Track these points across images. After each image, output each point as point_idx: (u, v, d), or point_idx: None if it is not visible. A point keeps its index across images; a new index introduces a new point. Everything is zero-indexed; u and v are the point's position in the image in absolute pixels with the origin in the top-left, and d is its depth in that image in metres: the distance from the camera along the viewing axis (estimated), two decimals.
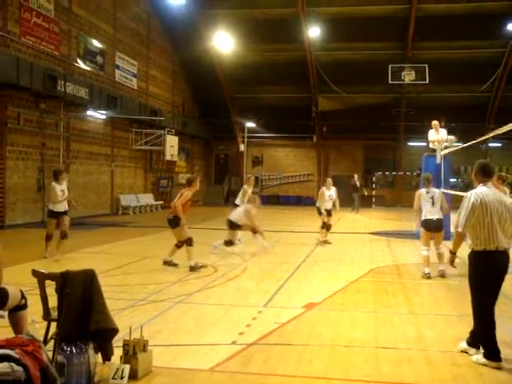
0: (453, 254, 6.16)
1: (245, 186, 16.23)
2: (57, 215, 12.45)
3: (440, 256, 10.87)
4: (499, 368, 5.54)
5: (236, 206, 16.43)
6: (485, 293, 5.78)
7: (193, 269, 10.81)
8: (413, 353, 5.99)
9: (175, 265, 11.17)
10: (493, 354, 5.61)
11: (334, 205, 16.38)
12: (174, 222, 11.11)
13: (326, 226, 16.13)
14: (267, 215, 26.09)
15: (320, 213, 16.12)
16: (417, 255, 13.83)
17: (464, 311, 7.88)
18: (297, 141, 38.35)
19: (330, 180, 16.69)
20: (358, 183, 32.20)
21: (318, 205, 16.25)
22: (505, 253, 5.74)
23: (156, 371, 5.24)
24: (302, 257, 13.20)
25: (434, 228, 10.97)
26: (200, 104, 38.57)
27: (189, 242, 11.07)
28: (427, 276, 10.51)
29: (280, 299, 8.61)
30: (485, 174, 5.95)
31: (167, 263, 11.19)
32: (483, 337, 5.74)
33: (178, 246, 11.19)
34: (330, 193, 16.25)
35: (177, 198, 11.32)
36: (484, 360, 5.64)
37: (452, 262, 6.27)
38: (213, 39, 31.61)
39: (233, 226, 13.48)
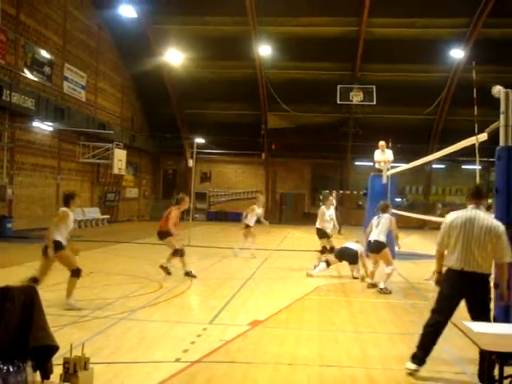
0: (437, 273, 6.20)
1: (254, 206, 16.94)
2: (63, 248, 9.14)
3: (387, 275, 11.36)
4: (416, 371, 5.81)
5: (247, 226, 16.84)
6: (439, 306, 5.98)
7: (187, 274, 12.02)
8: (356, 371, 6.04)
9: (169, 273, 12.09)
10: (421, 358, 5.87)
11: (334, 225, 14.85)
12: (162, 235, 12.39)
13: (330, 249, 14.11)
14: (215, 232, 26.05)
15: (325, 235, 14.34)
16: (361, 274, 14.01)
17: (407, 330, 8.03)
18: (245, 157, 38.51)
19: (332, 198, 15.33)
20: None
21: (319, 226, 14.33)
22: (471, 274, 5.76)
23: None
24: (249, 274, 13.18)
25: (371, 249, 11.74)
26: (149, 118, 38.34)
27: (177, 252, 12.14)
28: (370, 285, 11.60)
29: (225, 316, 8.57)
30: (475, 197, 6.06)
31: (164, 269, 12.11)
32: (421, 342, 5.97)
33: (174, 254, 12.24)
34: (330, 212, 14.54)
35: (165, 215, 12.48)
36: (409, 363, 5.90)
37: (436, 282, 6.22)
38: (164, 54, 31.57)
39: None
